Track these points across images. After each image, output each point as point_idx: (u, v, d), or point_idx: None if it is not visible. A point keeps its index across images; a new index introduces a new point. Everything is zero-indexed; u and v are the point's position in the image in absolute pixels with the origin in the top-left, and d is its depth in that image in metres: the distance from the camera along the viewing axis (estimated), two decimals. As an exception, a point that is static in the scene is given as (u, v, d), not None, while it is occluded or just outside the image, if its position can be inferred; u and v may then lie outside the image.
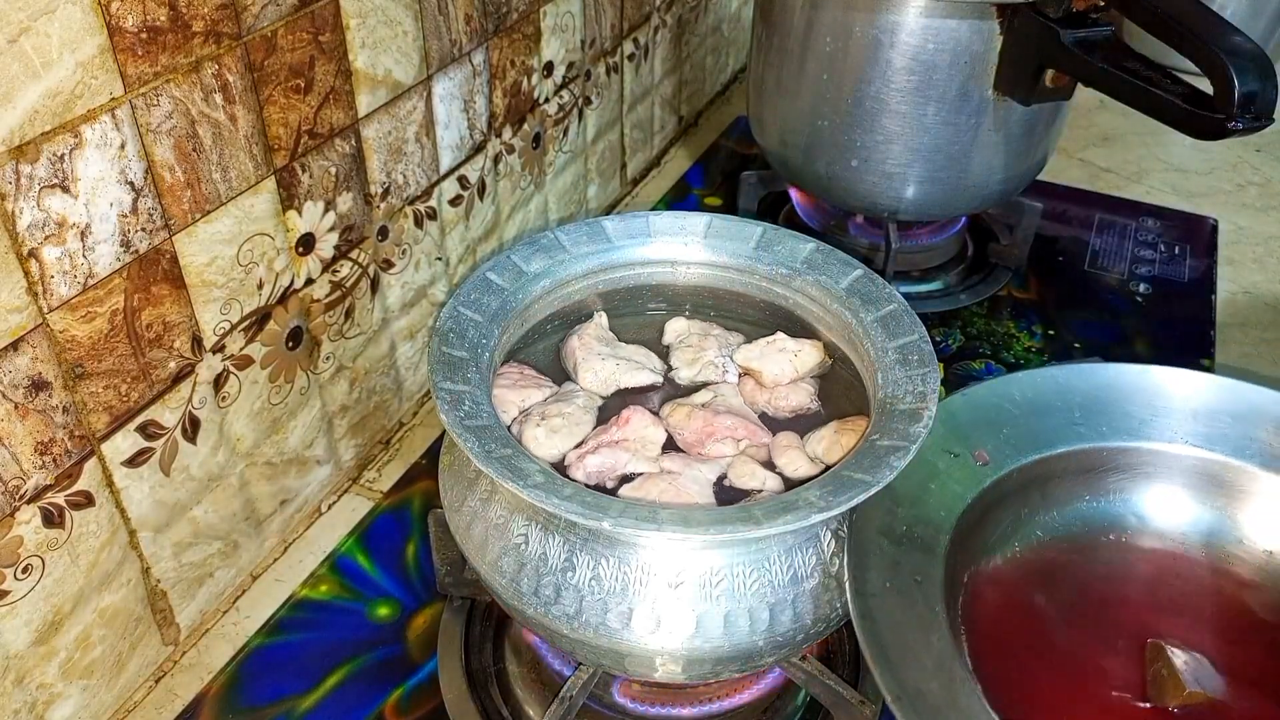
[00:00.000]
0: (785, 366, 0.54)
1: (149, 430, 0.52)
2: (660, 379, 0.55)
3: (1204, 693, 0.44)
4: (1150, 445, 0.53)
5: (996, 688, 0.44)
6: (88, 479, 0.50)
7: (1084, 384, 0.55)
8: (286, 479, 0.65)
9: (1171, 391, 0.55)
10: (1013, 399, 0.54)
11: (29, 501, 0.47)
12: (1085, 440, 0.53)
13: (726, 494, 0.48)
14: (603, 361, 0.54)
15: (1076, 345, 0.85)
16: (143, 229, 0.48)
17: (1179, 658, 0.45)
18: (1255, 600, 0.50)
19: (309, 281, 0.61)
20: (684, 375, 0.55)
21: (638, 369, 0.54)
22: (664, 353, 0.57)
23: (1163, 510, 0.53)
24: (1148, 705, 0.45)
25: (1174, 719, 0.44)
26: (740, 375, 0.55)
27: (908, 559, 0.46)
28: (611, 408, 0.52)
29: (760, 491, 0.48)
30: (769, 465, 0.49)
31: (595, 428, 0.51)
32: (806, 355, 0.54)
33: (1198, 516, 0.53)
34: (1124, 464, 0.53)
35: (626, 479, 0.48)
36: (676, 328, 0.58)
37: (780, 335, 0.55)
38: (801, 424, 0.53)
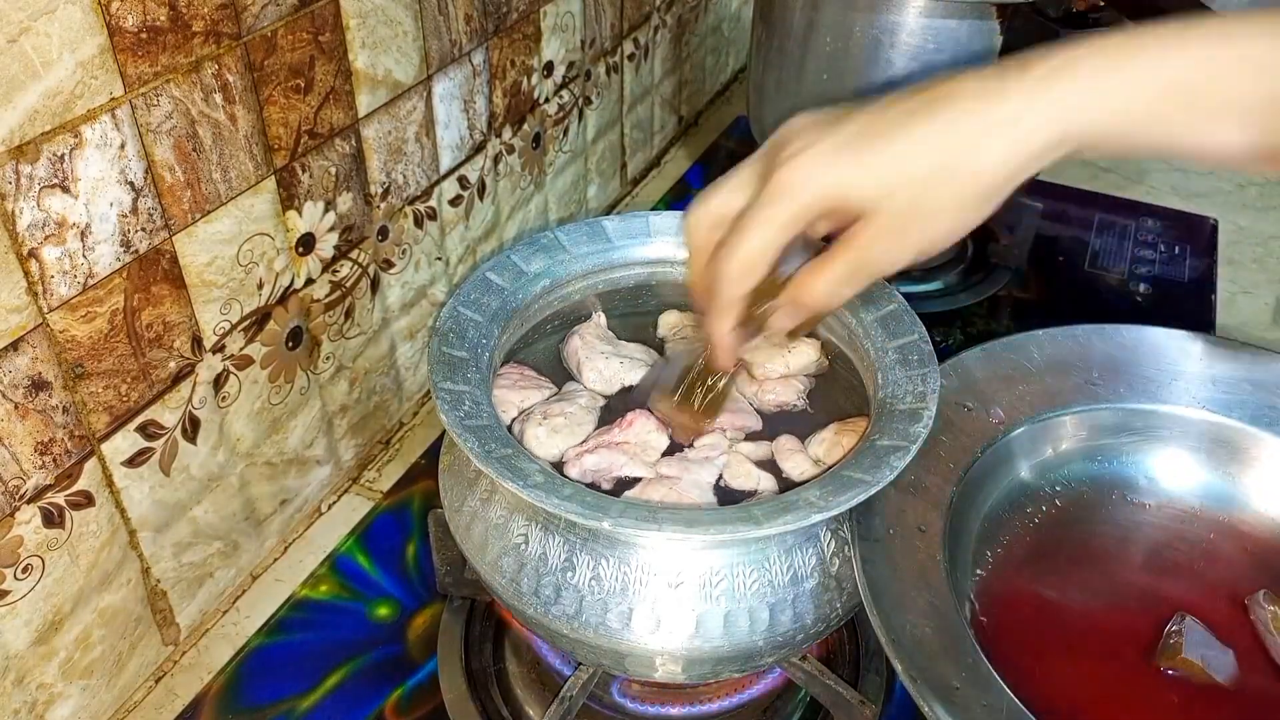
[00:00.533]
0: (777, 362, 0.54)
1: (149, 430, 0.52)
2: (662, 376, 0.55)
3: (1200, 665, 0.44)
4: (1166, 408, 0.53)
5: (995, 637, 0.44)
6: (88, 479, 0.49)
7: (1106, 344, 0.55)
8: (286, 479, 0.65)
9: (1193, 356, 0.54)
10: (1031, 356, 0.54)
11: (29, 501, 0.47)
12: (1101, 401, 0.53)
13: (724, 495, 0.48)
14: (606, 360, 0.54)
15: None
16: (143, 229, 0.48)
17: (1195, 632, 0.45)
18: (1260, 565, 0.50)
19: (309, 281, 0.61)
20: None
21: (641, 366, 0.54)
22: (659, 345, 0.57)
23: (1174, 473, 0.53)
24: (1144, 666, 0.45)
25: (1168, 687, 0.44)
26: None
27: (913, 507, 0.46)
28: (615, 409, 0.52)
29: (758, 492, 0.48)
30: (762, 464, 0.49)
31: (598, 428, 0.51)
32: (800, 353, 0.55)
33: (1208, 481, 0.53)
34: (1139, 426, 0.53)
35: (621, 481, 0.48)
36: (670, 320, 0.58)
37: (778, 331, 0.55)
38: (786, 420, 0.53)
